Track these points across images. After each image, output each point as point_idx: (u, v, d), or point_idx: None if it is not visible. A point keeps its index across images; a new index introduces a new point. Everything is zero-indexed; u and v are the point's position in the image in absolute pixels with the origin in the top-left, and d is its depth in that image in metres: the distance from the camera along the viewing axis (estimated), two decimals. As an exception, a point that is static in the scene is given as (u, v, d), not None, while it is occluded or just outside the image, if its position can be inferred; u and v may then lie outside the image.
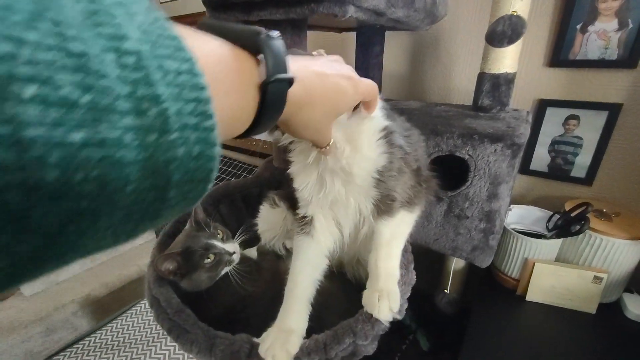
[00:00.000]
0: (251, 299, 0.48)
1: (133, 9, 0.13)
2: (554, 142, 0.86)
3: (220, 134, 0.16)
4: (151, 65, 0.13)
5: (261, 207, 0.62)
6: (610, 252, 0.72)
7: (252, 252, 0.59)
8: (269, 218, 0.60)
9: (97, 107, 0.11)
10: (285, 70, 0.22)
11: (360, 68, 0.95)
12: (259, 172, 0.74)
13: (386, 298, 0.40)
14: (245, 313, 0.47)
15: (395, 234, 0.46)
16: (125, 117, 0.12)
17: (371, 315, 0.38)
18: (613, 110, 0.77)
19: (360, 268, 0.57)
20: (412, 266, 0.48)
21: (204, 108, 0.15)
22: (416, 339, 1.04)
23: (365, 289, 0.42)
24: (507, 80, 0.74)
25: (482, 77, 0.77)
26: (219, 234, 0.53)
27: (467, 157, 0.68)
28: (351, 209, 0.45)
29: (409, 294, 0.44)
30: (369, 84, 0.35)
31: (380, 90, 0.99)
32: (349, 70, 0.32)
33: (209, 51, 0.18)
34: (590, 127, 0.80)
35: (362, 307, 0.41)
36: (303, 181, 0.46)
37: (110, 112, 0.12)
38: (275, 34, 0.22)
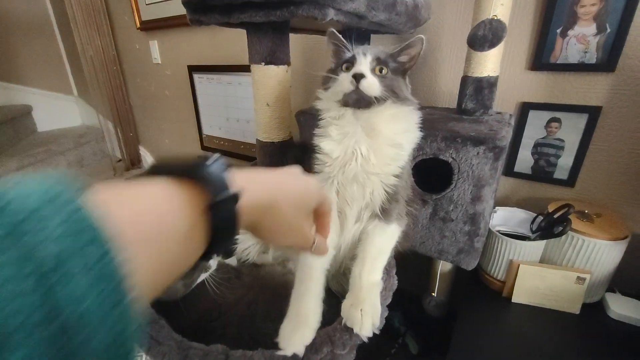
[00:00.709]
0: (227, 306, 0.47)
1: (47, 215, 0.14)
2: (536, 145, 0.87)
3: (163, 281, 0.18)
4: (65, 273, 0.13)
5: None
6: (592, 252, 0.73)
7: (232, 260, 0.58)
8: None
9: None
10: (226, 189, 0.23)
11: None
12: (243, 177, 0.73)
13: (369, 314, 0.39)
14: (221, 321, 0.45)
15: (384, 247, 0.48)
16: (36, 329, 0.12)
17: (350, 325, 0.38)
18: (593, 113, 0.78)
19: (340, 277, 0.56)
20: (394, 271, 0.47)
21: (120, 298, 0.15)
22: (405, 342, 1.04)
23: (344, 299, 0.42)
24: (490, 84, 0.75)
25: (465, 80, 0.77)
26: None
27: (450, 160, 0.68)
28: (365, 191, 0.48)
29: (390, 300, 0.44)
30: (324, 191, 0.35)
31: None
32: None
33: (139, 210, 0.19)
34: (571, 129, 0.82)
35: (338, 313, 0.40)
36: (331, 150, 0.49)
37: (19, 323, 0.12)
38: (214, 157, 0.24)
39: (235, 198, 0.23)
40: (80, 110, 2.58)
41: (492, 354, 0.68)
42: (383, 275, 0.44)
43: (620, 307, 0.74)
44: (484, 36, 0.63)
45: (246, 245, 0.57)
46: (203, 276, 0.49)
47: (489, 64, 0.72)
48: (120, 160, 2.23)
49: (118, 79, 2.04)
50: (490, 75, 0.74)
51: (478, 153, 0.65)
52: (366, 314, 0.39)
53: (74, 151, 2.18)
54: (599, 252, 0.72)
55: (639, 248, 0.76)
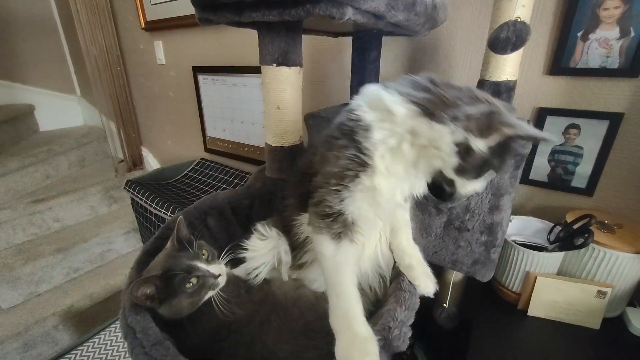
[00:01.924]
0: (237, 325, 0.44)
1: None
2: (553, 152, 0.84)
3: None
4: None
5: (250, 239, 0.58)
6: (614, 265, 0.70)
7: (241, 270, 0.55)
8: (257, 248, 0.56)
9: None
10: None
11: (357, 73, 0.93)
12: (250, 183, 0.70)
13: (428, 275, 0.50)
14: (229, 341, 0.42)
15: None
16: None
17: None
18: (614, 120, 0.75)
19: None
20: (416, 290, 0.45)
21: None
22: (414, 353, 1.01)
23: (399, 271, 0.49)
24: (508, 88, 0.72)
25: (482, 84, 0.74)
26: (203, 254, 0.48)
27: (468, 167, 0.65)
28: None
29: (413, 320, 0.41)
30: None
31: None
32: None
33: None
34: (591, 136, 0.79)
35: None
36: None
37: None
38: None
39: None
40: (82, 110, 2.56)
41: (509, 370, 0.65)
42: (406, 293, 0.41)
43: (641, 323, 0.71)
44: (507, 38, 0.61)
45: (257, 264, 0.54)
46: (210, 294, 0.47)
47: (507, 67, 0.70)
48: (122, 161, 2.21)
49: (121, 79, 2.02)
50: (509, 79, 0.71)
51: (498, 161, 0.62)
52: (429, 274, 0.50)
53: (75, 151, 2.15)
54: (621, 265, 0.69)
55: (662, 261, 0.72)
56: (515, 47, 0.61)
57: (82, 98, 2.52)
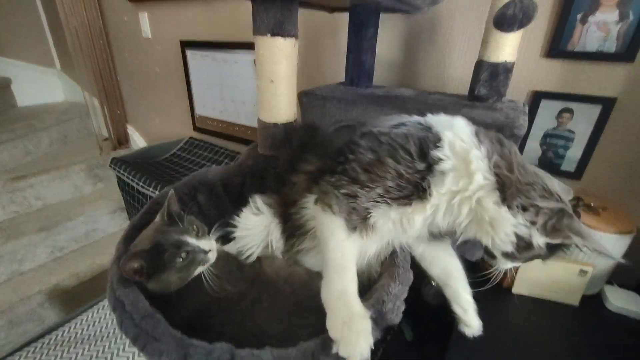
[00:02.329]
0: (227, 302, 0.44)
1: None
2: (546, 135, 0.85)
3: None
4: None
5: (242, 212, 0.55)
6: (597, 247, 0.72)
7: (232, 247, 0.54)
8: (249, 226, 0.53)
9: None
10: None
11: (352, 51, 0.90)
12: (242, 160, 0.68)
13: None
14: (219, 318, 0.42)
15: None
16: None
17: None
18: (607, 105, 0.76)
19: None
20: (409, 265, 0.45)
21: None
22: (401, 329, 1.04)
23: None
24: (506, 70, 0.71)
25: (480, 65, 0.73)
26: (193, 230, 0.47)
27: (463, 148, 0.65)
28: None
29: (406, 295, 0.41)
30: None
31: (372, 74, 0.95)
32: None
33: None
34: (583, 120, 0.79)
35: None
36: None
37: None
38: None
39: None
40: (63, 85, 2.43)
41: (492, 344, 0.67)
42: (399, 269, 0.41)
43: (618, 300, 0.75)
44: (514, 15, 0.59)
45: (249, 242, 0.52)
46: (200, 269, 0.46)
47: (507, 48, 0.69)
48: (106, 139, 2.14)
49: (104, 52, 1.92)
50: (507, 60, 0.70)
51: (493, 141, 0.61)
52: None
53: (56, 128, 2.07)
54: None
55: (642, 243, 0.75)
56: (521, 24, 0.60)
57: (63, 72, 2.39)
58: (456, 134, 0.40)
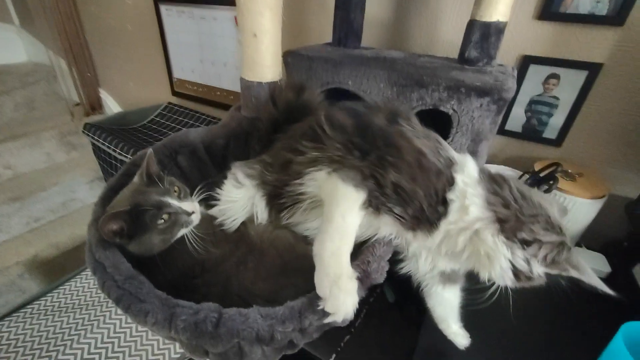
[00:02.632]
0: (211, 263, 0.43)
1: None
2: (531, 102, 0.85)
3: None
4: None
5: (224, 187, 0.53)
6: (572, 210, 0.75)
7: (216, 211, 0.53)
8: (231, 198, 0.51)
9: None
10: None
11: (340, 8, 0.85)
12: (225, 121, 0.65)
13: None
14: (204, 279, 0.41)
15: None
16: None
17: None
18: (593, 70, 0.76)
19: None
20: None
21: None
22: (382, 291, 1.09)
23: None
24: (498, 30, 0.69)
25: (471, 25, 0.71)
26: (174, 191, 0.45)
27: (451, 111, 0.64)
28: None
29: (390, 255, 0.42)
30: None
31: (361, 34, 0.90)
32: None
33: None
34: (569, 87, 0.79)
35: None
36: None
37: None
38: None
39: None
40: (24, 43, 2.22)
41: (467, 312, 0.71)
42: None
43: (585, 261, 0.79)
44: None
45: (233, 215, 0.51)
46: (183, 231, 0.45)
47: (500, 6, 0.66)
48: (78, 104, 2.00)
49: (68, 7, 1.74)
50: (500, 20, 0.68)
51: (481, 105, 0.61)
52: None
53: (21, 91, 1.91)
54: (578, 210, 0.75)
55: (612, 206, 0.79)
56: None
57: (23, 29, 2.17)
58: (465, 175, 0.42)
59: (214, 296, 0.39)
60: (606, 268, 0.76)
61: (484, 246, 0.38)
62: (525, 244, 0.37)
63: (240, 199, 0.51)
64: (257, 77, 0.61)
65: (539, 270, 0.38)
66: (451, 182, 0.40)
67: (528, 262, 0.37)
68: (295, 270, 0.42)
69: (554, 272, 0.38)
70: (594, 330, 0.57)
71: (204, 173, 0.59)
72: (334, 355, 0.61)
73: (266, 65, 0.60)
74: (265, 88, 0.61)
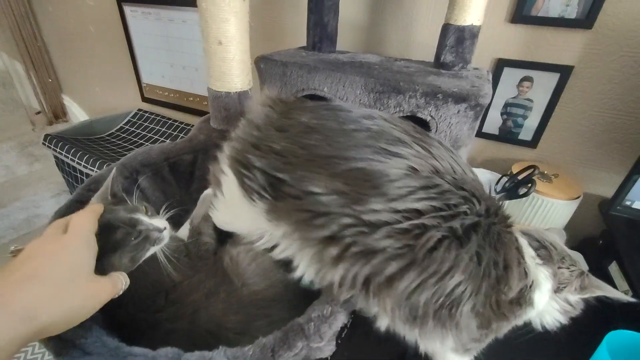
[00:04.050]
0: (176, 294, 0.39)
1: None
2: (507, 105, 0.86)
3: None
4: None
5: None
6: (549, 211, 0.76)
7: (183, 232, 0.49)
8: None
9: None
10: None
11: (314, 11, 0.82)
12: (193, 134, 0.61)
13: None
14: (169, 312, 0.38)
15: None
16: None
17: (329, 312, 0.32)
18: (564, 73, 0.77)
19: None
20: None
21: None
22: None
23: None
24: (472, 34, 0.68)
25: (446, 29, 0.70)
26: (143, 208, 0.43)
27: (429, 118, 0.63)
28: None
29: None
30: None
31: (336, 38, 0.88)
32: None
33: None
34: (542, 89, 0.80)
35: (316, 298, 0.35)
36: None
37: None
38: None
39: None
40: (-25, 46, 2.05)
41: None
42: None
43: (563, 259, 0.81)
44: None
45: (205, 240, 0.47)
46: (153, 249, 0.41)
47: (473, 9, 0.65)
48: (39, 112, 1.87)
49: (22, 6, 1.62)
50: (474, 24, 0.67)
51: (459, 111, 0.60)
52: None
53: (-27, 99, 1.77)
54: (555, 211, 0.75)
55: (587, 205, 0.81)
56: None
57: (-27, 31, 2.01)
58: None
59: (179, 333, 0.35)
60: (584, 267, 0.77)
61: (539, 307, 0.41)
62: (563, 288, 0.42)
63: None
64: (225, 87, 0.57)
65: (574, 299, 0.42)
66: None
67: (568, 300, 0.42)
68: (269, 300, 0.39)
69: (585, 296, 0.42)
70: (577, 340, 0.57)
71: (168, 194, 0.54)
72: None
73: (234, 74, 0.56)
74: (235, 98, 0.57)
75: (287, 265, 0.39)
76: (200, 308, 0.38)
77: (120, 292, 0.34)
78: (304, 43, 0.89)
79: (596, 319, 0.53)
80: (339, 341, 0.34)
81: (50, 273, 0.29)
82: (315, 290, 0.38)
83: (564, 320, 0.43)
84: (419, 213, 0.32)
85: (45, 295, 0.28)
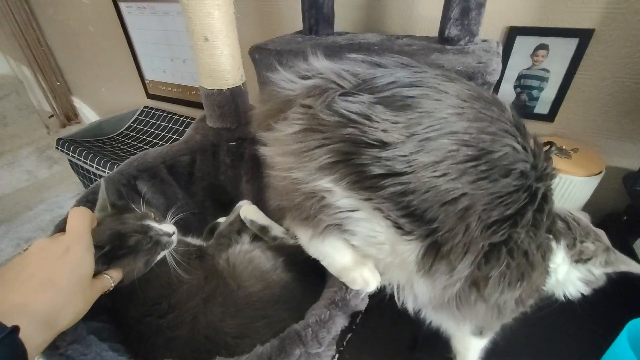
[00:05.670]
0: (177, 298, 0.40)
1: None
2: (520, 77, 0.80)
3: None
4: None
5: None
6: (567, 189, 0.71)
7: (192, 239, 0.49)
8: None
9: None
10: None
11: (308, -8, 0.77)
12: (189, 135, 0.60)
13: None
14: (170, 320, 0.38)
15: None
16: None
17: (328, 317, 0.32)
18: (584, 37, 0.70)
19: None
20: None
21: None
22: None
23: None
24: (479, 4, 0.63)
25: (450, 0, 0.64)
26: (151, 214, 0.45)
27: (432, 101, 0.59)
28: None
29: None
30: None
31: (333, 19, 0.83)
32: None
33: None
34: (559, 57, 0.74)
35: (314, 296, 0.34)
36: None
37: None
38: None
39: (12, 331, 0.25)
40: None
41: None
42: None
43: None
44: None
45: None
46: (163, 253, 0.43)
47: (479, -24, 0.59)
48: (52, 116, 1.92)
49: (23, 11, 1.63)
50: (480, -9, 0.61)
51: (464, 91, 0.56)
52: None
53: (-10, 108, 1.82)
54: (576, 189, 0.71)
55: (610, 179, 0.76)
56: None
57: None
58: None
59: (179, 340, 0.36)
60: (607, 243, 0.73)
61: (558, 275, 0.43)
62: (587, 260, 0.43)
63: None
64: (216, 85, 0.55)
65: (598, 272, 0.43)
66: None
67: (591, 272, 0.43)
68: (266, 301, 0.39)
69: (609, 270, 0.43)
70: (598, 328, 0.55)
71: (170, 196, 0.54)
72: (336, 356, 0.59)
73: (225, 71, 0.54)
74: (228, 95, 0.56)
75: (284, 265, 0.38)
76: (199, 314, 0.39)
77: (107, 292, 0.37)
78: (301, 27, 0.85)
79: (617, 308, 0.51)
80: (342, 348, 0.34)
81: (62, 280, 0.31)
82: (314, 291, 0.37)
83: (586, 291, 0.44)
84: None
85: (61, 301, 0.30)
